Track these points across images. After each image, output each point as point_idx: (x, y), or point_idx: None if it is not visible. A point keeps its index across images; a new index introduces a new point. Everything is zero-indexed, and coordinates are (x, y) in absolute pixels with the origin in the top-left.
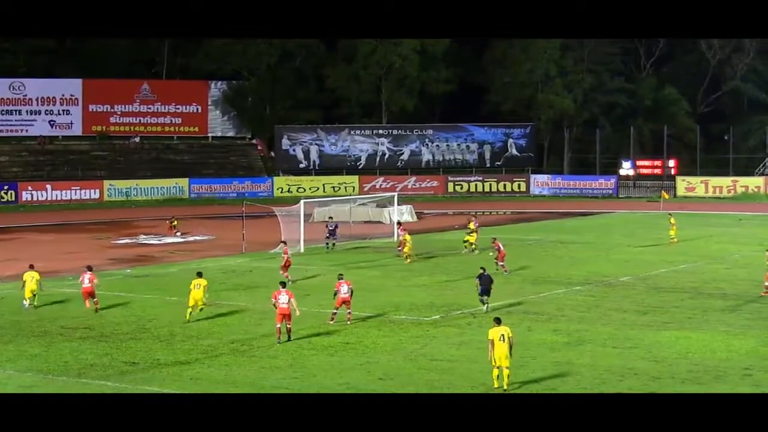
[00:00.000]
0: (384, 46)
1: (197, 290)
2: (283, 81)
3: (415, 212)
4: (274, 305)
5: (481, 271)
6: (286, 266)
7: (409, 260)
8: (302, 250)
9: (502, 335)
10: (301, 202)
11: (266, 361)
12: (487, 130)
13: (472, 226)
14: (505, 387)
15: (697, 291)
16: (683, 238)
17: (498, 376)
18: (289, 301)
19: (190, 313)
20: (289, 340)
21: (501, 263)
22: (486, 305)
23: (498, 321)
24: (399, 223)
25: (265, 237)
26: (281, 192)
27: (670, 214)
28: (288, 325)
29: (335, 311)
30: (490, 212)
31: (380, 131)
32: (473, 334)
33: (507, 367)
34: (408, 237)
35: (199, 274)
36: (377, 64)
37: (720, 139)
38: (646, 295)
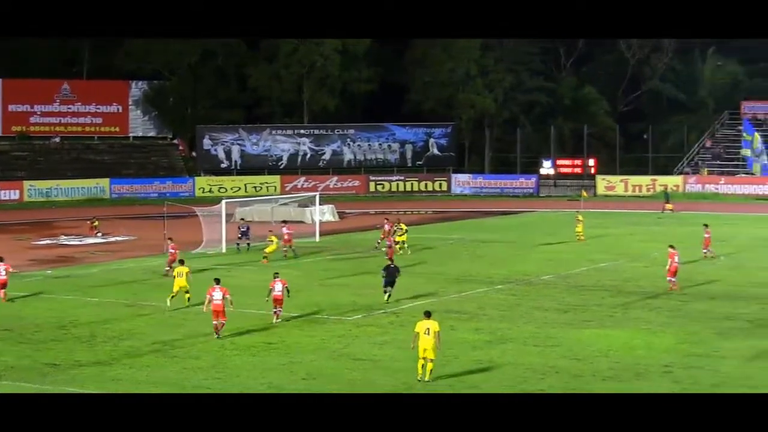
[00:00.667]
0: (305, 45)
1: (180, 278)
2: (205, 80)
3: (337, 212)
4: (209, 302)
5: (389, 262)
6: (170, 261)
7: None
8: (224, 251)
9: (428, 329)
10: (223, 202)
11: (188, 362)
12: (408, 129)
13: (404, 226)
14: (427, 378)
15: (617, 289)
16: (603, 236)
17: (423, 366)
18: (223, 297)
19: (172, 298)
20: (218, 336)
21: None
22: (388, 295)
23: (427, 315)
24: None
25: (187, 237)
26: (203, 192)
27: (578, 211)
28: (222, 321)
29: (276, 311)
30: (412, 212)
31: (302, 131)
32: (396, 333)
33: (431, 360)
34: (275, 239)
35: (182, 262)
36: (299, 64)
37: (639, 139)
38: (567, 294)
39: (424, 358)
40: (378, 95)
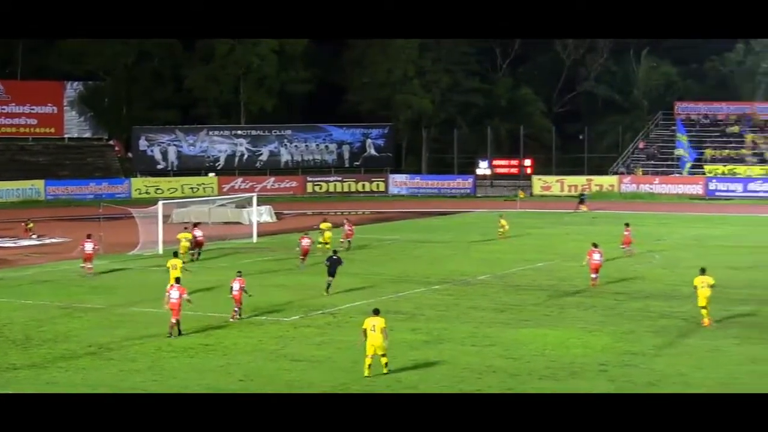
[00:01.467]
0: (242, 45)
1: (174, 270)
2: (141, 81)
3: (275, 213)
4: (167, 300)
5: (332, 254)
6: (86, 258)
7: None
8: (160, 252)
9: (374, 325)
10: (160, 203)
11: (125, 364)
12: (345, 130)
13: (328, 225)
14: (385, 371)
15: (553, 288)
16: (539, 236)
17: (370, 365)
18: (180, 296)
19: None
20: (180, 334)
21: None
22: (328, 289)
23: (376, 312)
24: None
25: (123, 239)
26: (139, 193)
27: (501, 215)
28: (177, 319)
29: (235, 310)
30: (349, 212)
31: (239, 132)
32: (333, 334)
33: (382, 355)
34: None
35: (175, 254)
36: (235, 64)
37: (575, 139)
38: (504, 294)
39: (373, 356)
40: (316, 96)
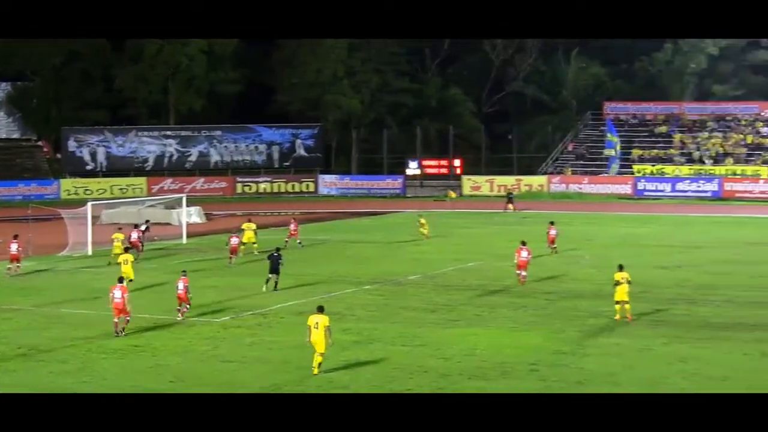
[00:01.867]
0: (171, 46)
1: (126, 265)
2: (69, 82)
3: (204, 213)
4: (112, 300)
5: (273, 251)
6: (12, 259)
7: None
8: (90, 253)
9: (316, 323)
10: (89, 204)
11: (55, 366)
12: (275, 130)
13: (253, 226)
14: (315, 372)
15: (484, 288)
16: (469, 236)
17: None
18: (122, 296)
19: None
20: (121, 333)
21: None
22: (266, 284)
23: (320, 309)
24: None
25: (52, 240)
26: (68, 194)
27: (420, 215)
28: (126, 318)
29: (179, 308)
30: (279, 213)
31: (168, 132)
32: (264, 335)
33: (320, 354)
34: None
35: (126, 249)
36: (164, 65)
37: (504, 139)
38: (435, 293)
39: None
40: (245, 96)
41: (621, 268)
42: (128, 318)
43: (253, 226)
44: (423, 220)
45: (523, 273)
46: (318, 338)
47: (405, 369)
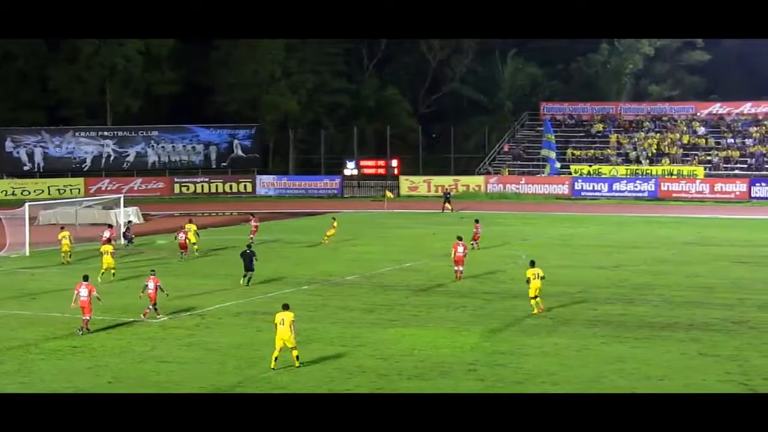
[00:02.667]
0: (107, 46)
1: (107, 256)
2: (5, 82)
3: (142, 214)
4: (76, 298)
5: (246, 248)
6: None
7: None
8: (27, 254)
9: (282, 319)
10: (26, 205)
11: None
12: (212, 131)
13: (194, 227)
14: (297, 365)
15: (422, 288)
16: (407, 237)
17: (276, 358)
18: (89, 294)
19: (102, 275)
20: (87, 332)
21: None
22: (244, 278)
23: (285, 307)
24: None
25: None
26: (5, 195)
27: (333, 217)
28: (87, 317)
29: (149, 308)
30: (217, 213)
31: (105, 133)
32: (202, 335)
33: (293, 348)
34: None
35: (108, 240)
36: (101, 65)
37: (441, 139)
38: (373, 294)
39: (281, 349)
40: (182, 96)
41: (533, 264)
42: (88, 317)
43: (194, 227)
44: (335, 223)
45: (460, 268)
46: (286, 334)
47: (344, 369)
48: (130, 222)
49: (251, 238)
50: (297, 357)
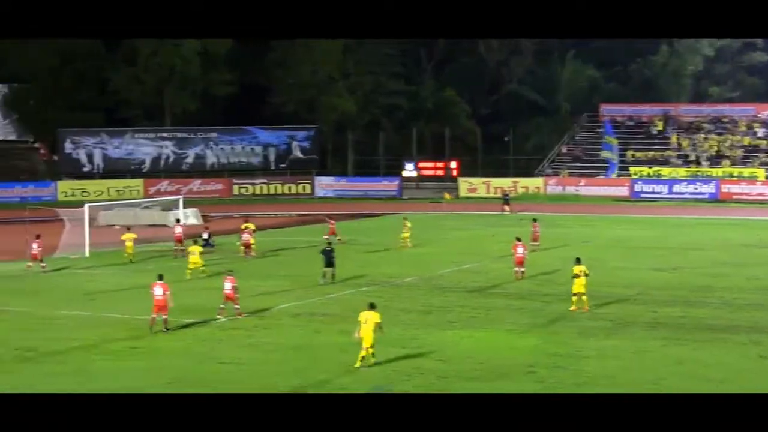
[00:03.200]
0: (165, 47)
1: (193, 256)
2: (65, 84)
3: (201, 215)
4: (152, 296)
5: (326, 245)
6: (33, 258)
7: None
8: (87, 255)
9: (366, 319)
10: (86, 206)
11: (51, 367)
12: (270, 132)
13: (252, 226)
14: (373, 361)
15: (480, 290)
16: (466, 238)
17: (363, 357)
18: (164, 293)
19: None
20: (166, 330)
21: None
22: (323, 277)
23: (371, 306)
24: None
25: (49, 241)
26: (65, 196)
27: (405, 218)
28: (164, 316)
29: (222, 306)
30: (276, 214)
31: (164, 134)
32: (261, 336)
33: (369, 347)
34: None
35: (195, 241)
36: (159, 66)
37: (500, 141)
38: (431, 295)
39: (366, 348)
40: (240, 97)
41: (578, 261)
42: (165, 315)
43: (252, 226)
44: (408, 224)
45: (521, 269)
46: (367, 333)
47: (403, 371)
48: (206, 228)
49: (327, 238)
50: (363, 358)
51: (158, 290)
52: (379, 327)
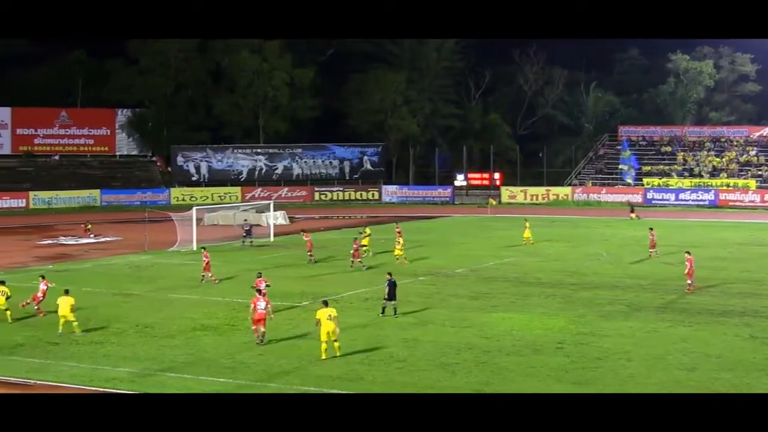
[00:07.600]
0: (260, 79)
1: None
2: (178, 108)
3: (288, 216)
4: (253, 310)
5: (388, 277)
6: (206, 269)
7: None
8: (194, 248)
9: (329, 315)
10: (194, 208)
11: (165, 341)
12: (346, 149)
13: (368, 230)
14: (337, 354)
15: (518, 280)
16: (507, 236)
17: (326, 349)
18: (265, 307)
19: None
20: (263, 342)
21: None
22: (385, 309)
23: (325, 303)
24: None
25: (163, 238)
26: (177, 201)
27: (525, 219)
28: (262, 329)
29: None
30: (349, 216)
31: (258, 150)
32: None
33: (334, 341)
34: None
35: (66, 292)
36: (255, 95)
37: (535, 156)
38: (477, 284)
39: (327, 341)
40: (321, 120)
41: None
42: (263, 329)
43: (368, 231)
44: (528, 223)
45: (691, 281)
46: (331, 327)
47: (453, 346)
48: (246, 221)
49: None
50: (338, 347)
51: (261, 304)
52: (337, 321)
